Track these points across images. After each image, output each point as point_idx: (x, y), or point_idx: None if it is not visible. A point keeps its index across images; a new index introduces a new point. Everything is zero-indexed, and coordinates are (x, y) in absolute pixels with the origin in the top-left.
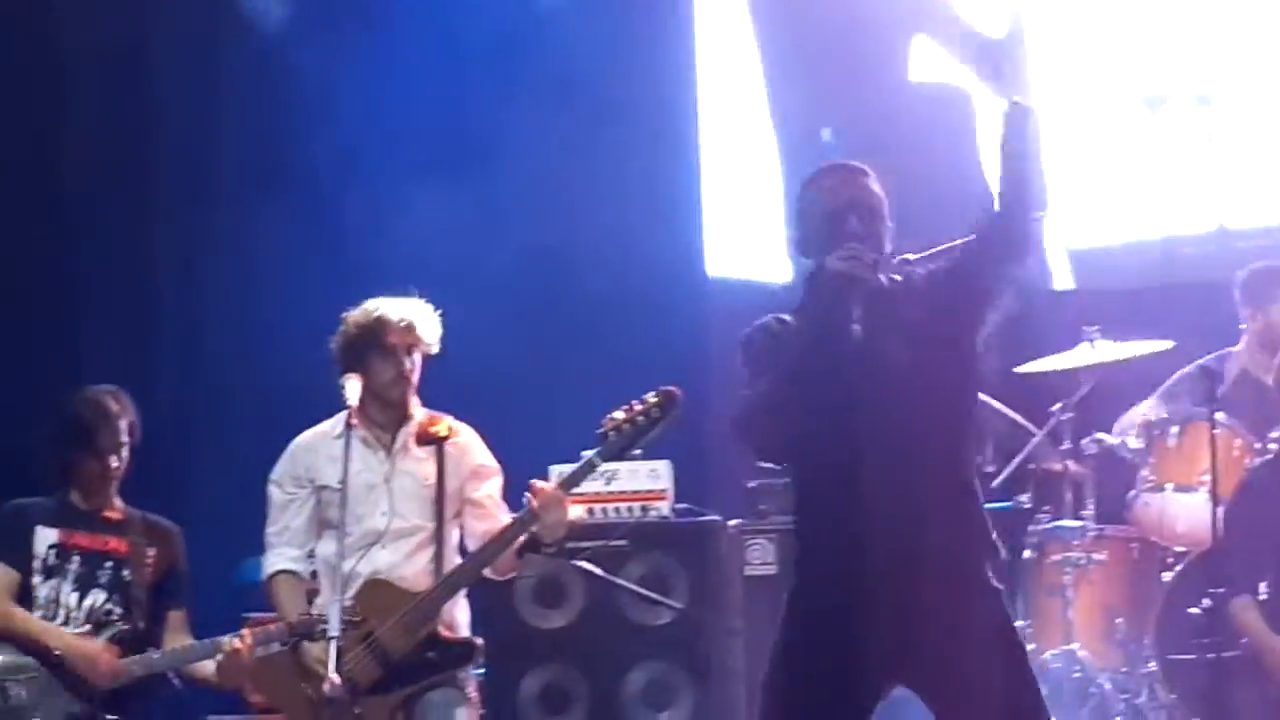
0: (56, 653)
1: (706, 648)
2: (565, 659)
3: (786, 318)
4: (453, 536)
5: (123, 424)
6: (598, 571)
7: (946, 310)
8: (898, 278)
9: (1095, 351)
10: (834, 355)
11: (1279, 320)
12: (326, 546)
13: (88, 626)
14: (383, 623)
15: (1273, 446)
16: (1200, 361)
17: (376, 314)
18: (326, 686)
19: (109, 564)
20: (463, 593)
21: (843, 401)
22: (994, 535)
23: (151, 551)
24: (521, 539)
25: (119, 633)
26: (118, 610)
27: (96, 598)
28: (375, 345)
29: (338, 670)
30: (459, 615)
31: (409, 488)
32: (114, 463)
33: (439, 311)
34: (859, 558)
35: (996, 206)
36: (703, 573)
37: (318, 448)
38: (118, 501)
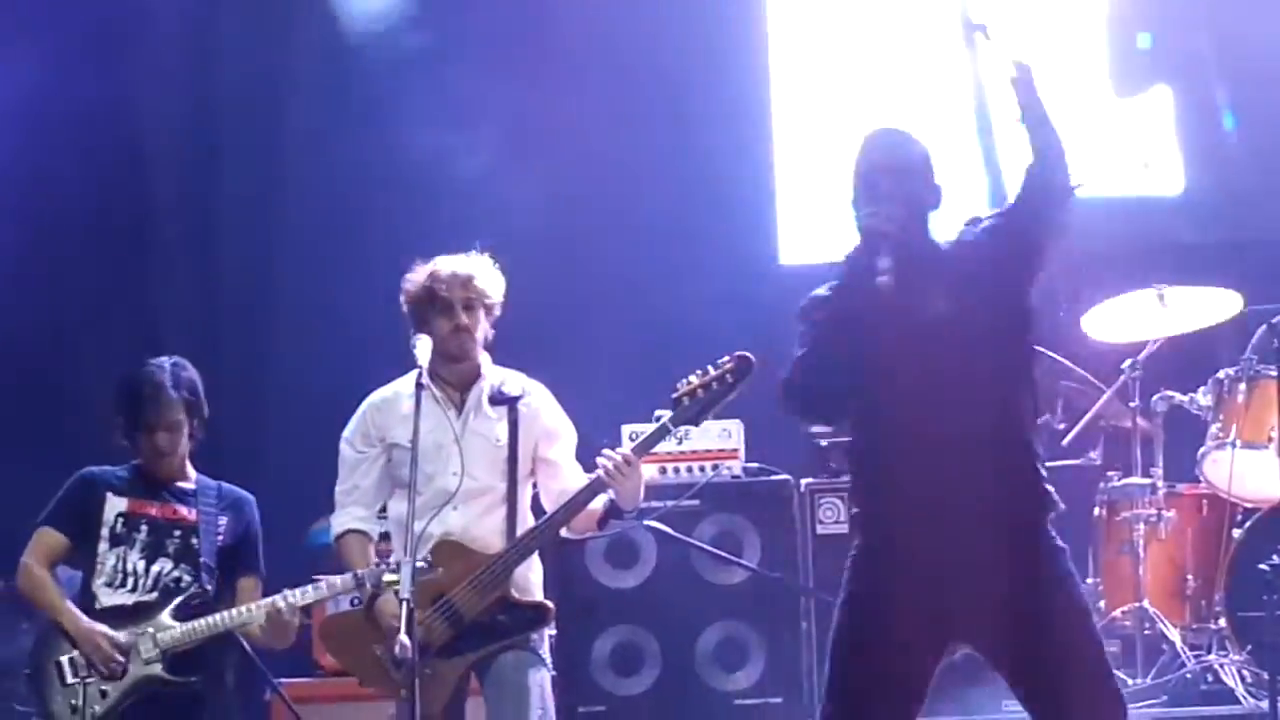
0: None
1: (779, 607)
2: (637, 619)
3: (833, 282)
4: (525, 497)
5: (177, 399)
6: (670, 531)
7: (997, 264)
8: (949, 237)
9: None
10: (866, 309)
11: None
12: (398, 506)
13: (155, 594)
14: (455, 584)
15: None
16: (1272, 320)
17: (436, 269)
18: (397, 648)
19: (177, 533)
20: (535, 555)
21: (884, 356)
22: (1051, 490)
23: (223, 520)
24: (600, 507)
25: (188, 599)
26: (186, 578)
27: (164, 565)
28: (432, 300)
29: (410, 631)
30: (531, 577)
31: (480, 447)
32: (162, 441)
33: (510, 270)
34: (913, 514)
35: (1032, 162)
36: (775, 532)
37: (389, 406)
38: (191, 471)
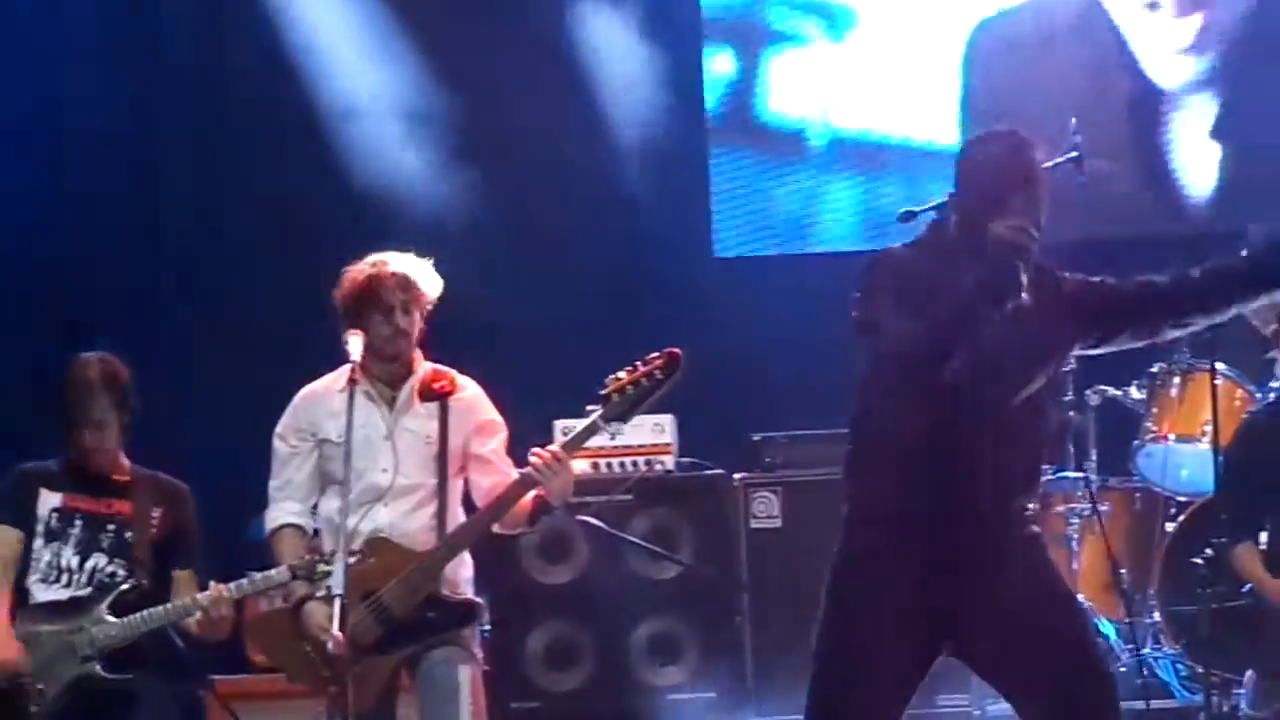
0: None
1: (712, 602)
2: (570, 614)
3: (910, 251)
4: (456, 493)
5: (104, 397)
6: (603, 526)
7: (1073, 325)
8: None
9: None
10: (980, 319)
11: None
12: (329, 503)
13: (89, 589)
14: (385, 582)
15: (1272, 394)
16: None
17: (372, 270)
18: (330, 644)
19: (111, 527)
20: (466, 551)
21: (978, 362)
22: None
23: (157, 512)
24: (529, 502)
25: (123, 594)
26: (121, 572)
27: (98, 561)
28: (372, 301)
29: (343, 628)
30: (462, 573)
31: (411, 444)
32: (89, 439)
33: (443, 266)
34: (925, 520)
35: (1192, 285)
36: (707, 527)
37: (320, 401)
38: (125, 462)
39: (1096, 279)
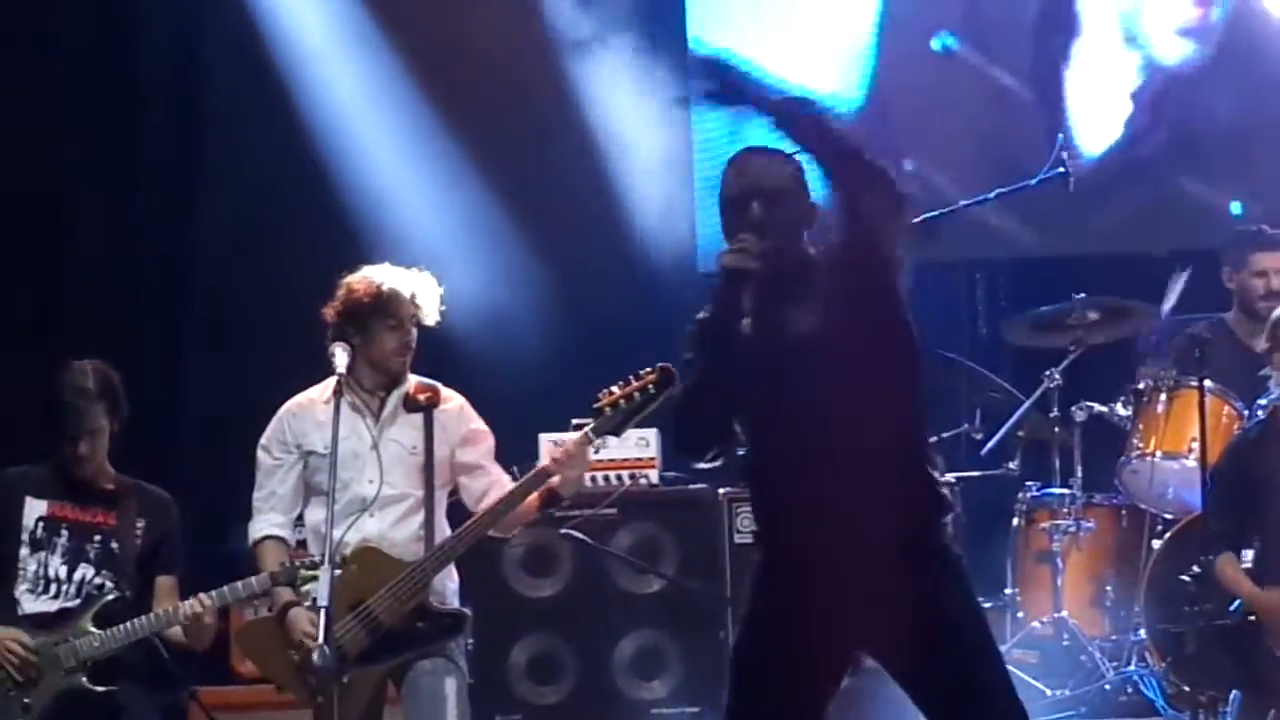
0: None
1: (696, 616)
2: (554, 628)
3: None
4: (442, 504)
5: (99, 406)
6: (587, 540)
7: (846, 274)
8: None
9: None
10: (732, 352)
11: (1249, 283)
12: (315, 514)
13: (77, 600)
14: (373, 591)
15: (1260, 412)
16: (1189, 330)
17: (387, 286)
18: (315, 655)
19: (97, 537)
20: (452, 563)
21: (759, 381)
22: (944, 493)
23: (141, 522)
24: (537, 497)
25: (108, 605)
26: (108, 583)
27: (86, 572)
28: (382, 317)
29: (326, 639)
30: (449, 584)
31: (397, 454)
32: (84, 448)
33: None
34: (805, 530)
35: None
36: (692, 541)
37: (306, 413)
38: (110, 471)
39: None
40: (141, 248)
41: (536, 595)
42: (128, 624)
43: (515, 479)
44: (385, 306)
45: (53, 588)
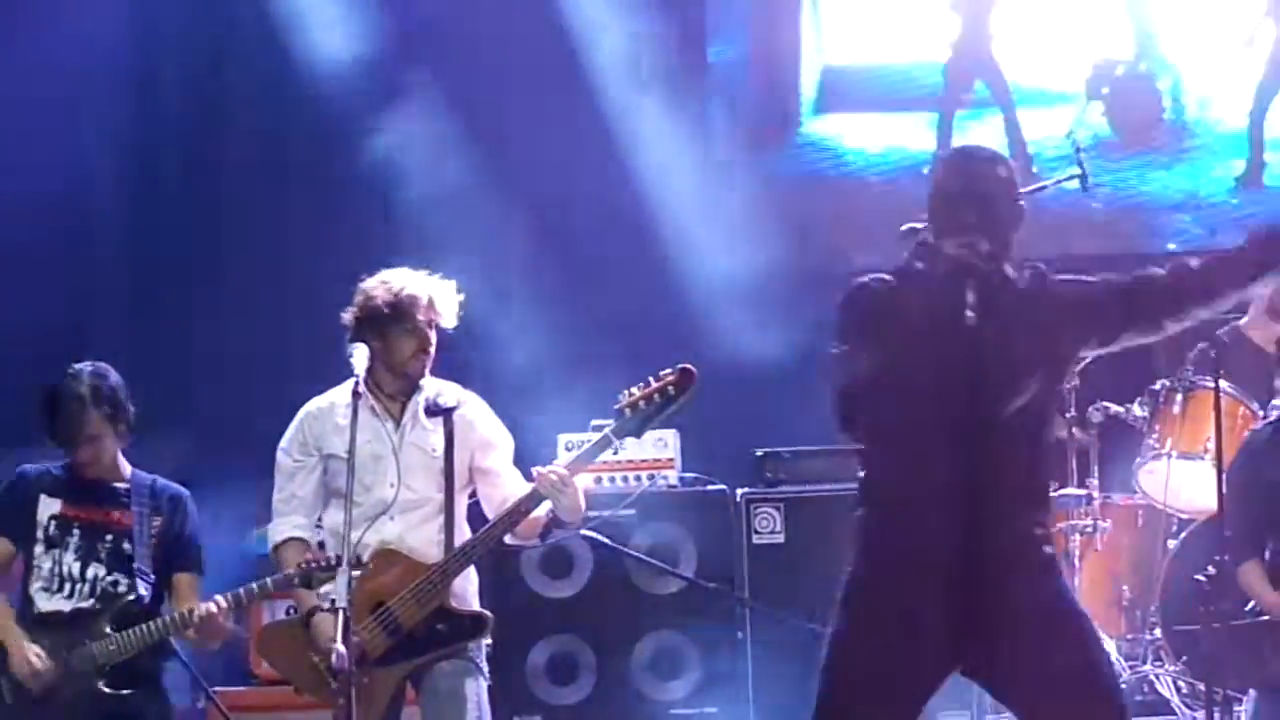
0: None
1: (714, 617)
2: (573, 629)
3: (888, 278)
4: (462, 507)
5: (96, 413)
6: (606, 541)
7: (1069, 327)
8: (1025, 273)
9: None
10: (945, 340)
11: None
12: (334, 516)
13: (93, 600)
14: (394, 593)
15: (1275, 413)
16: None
17: (407, 291)
18: (334, 657)
19: (109, 537)
20: (472, 564)
21: (947, 387)
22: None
23: (156, 521)
24: (543, 515)
25: (124, 607)
26: (123, 583)
27: (98, 570)
28: (401, 320)
29: (346, 640)
30: (467, 586)
31: (417, 459)
32: (84, 455)
33: (448, 280)
34: (930, 545)
35: (1190, 275)
36: (710, 542)
37: (325, 416)
38: (125, 469)
39: (1092, 278)
40: (162, 244)
41: (555, 596)
42: (143, 627)
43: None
44: (402, 312)
45: (67, 586)
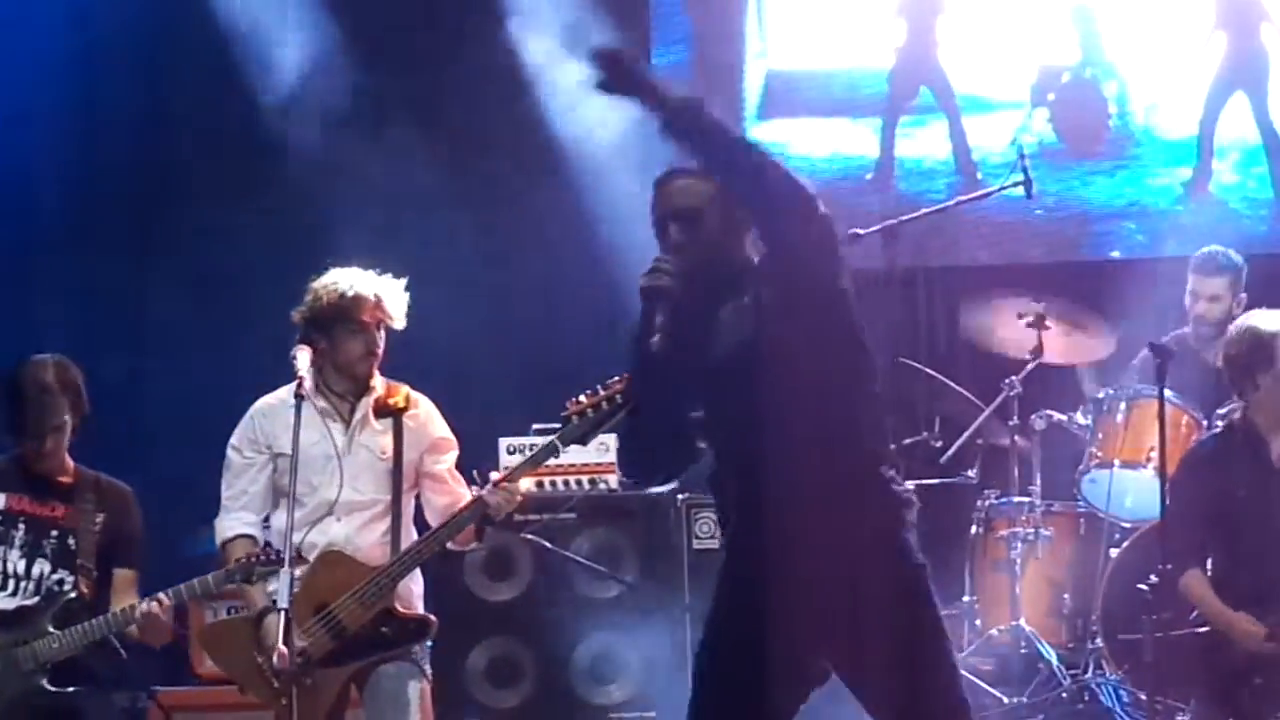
0: None
1: (654, 621)
2: (513, 631)
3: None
4: (409, 509)
5: (62, 401)
6: (547, 544)
7: (776, 287)
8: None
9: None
10: (658, 370)
11: (1190, 306)
12: (282, 517)
13: (37, 598)
14: (338, 595)
15: (1219, 424)
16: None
17: (353, 291)
18: (275, 658)
19: (54, 533)
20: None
21: (705, 397)
22: (901, 494)
23: (100, 517)
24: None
25: (66, 604)
26: (68, 580)
27: (44, 567)
28: (347, 320)
29: (288, 641)
30: (414, 589)
31: (366, 460)
32: (48, 445)
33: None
34: (767, 540)
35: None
36: (650, 546)
37: (275, 414)
38: (70, 464)
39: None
40: (106, 242)
41: (496, 599)
42: (86, 624)
43: (477, 483)
44: (349, 311)
45: (10, 584)
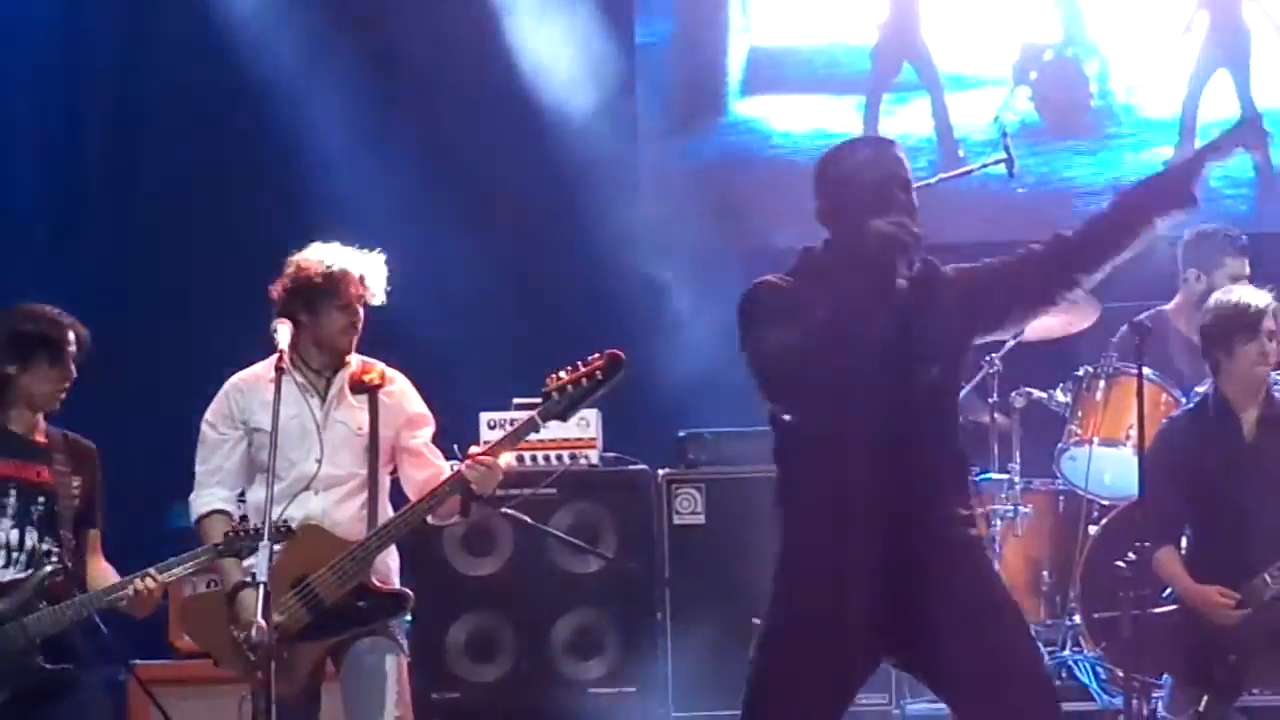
0: None
1: (634, 597)
2: (493, 607)
3: (786, 278)
4: (385, 484)
5: (72, 334)
6: (527, 520)
7: (962, 313)
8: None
9: None
10: (872, 312)
11: (1222, 285)
12: (257, 492)
13: (30, 569)
14: (315, 569)
15: (1194, 400)
16: (1134, 319)
17: (337, 267)
18: (253, 632)
19: (41, 499)
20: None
21: (872, 359)
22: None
23: (77, 481)
24: (457, 499)
25: (55, 572)
26: (55, 550)
27: (34, 537)
28: (331, 296)
29: (266, 615)
30: (390, 564)
31: (342, 435)
32: (71, 370)
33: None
34: (855, 540)
35: (1068, 240)
36: (631, 522)
37: (251, 389)
38: (42, 423)
39: (977, 263)
40: (83, 213)
41: (475, 574)
42: (77, 600)
43: (458, 458)
44: (334, 286)
45: (3, 555)
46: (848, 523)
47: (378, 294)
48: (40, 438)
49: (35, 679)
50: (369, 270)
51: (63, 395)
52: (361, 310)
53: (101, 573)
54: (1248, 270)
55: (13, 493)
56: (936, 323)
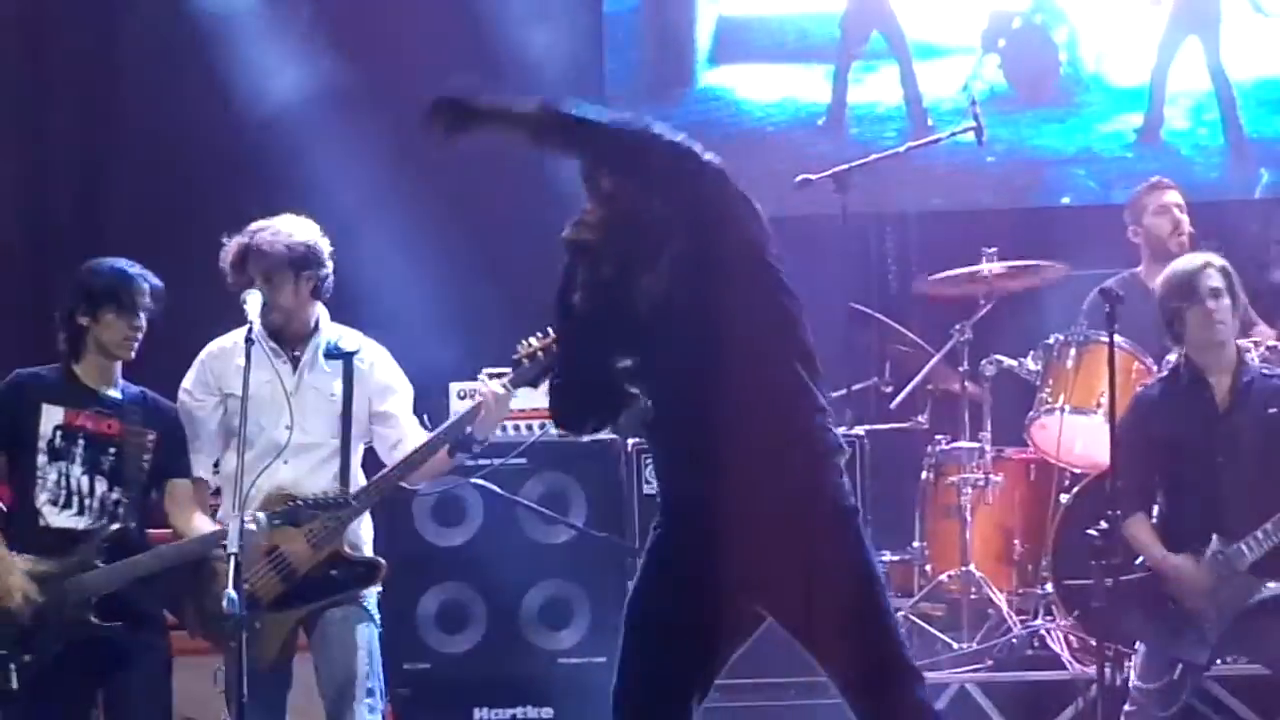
0: None
1: (604, 567)
2: (463, 577)
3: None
4: (358, 453)
5: (142, 284)
6: (497, 490)
7: (692, 248)
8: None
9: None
10: (573, 322)
11: (1153, 226)
12: (231, 460)
13: (104, 519)
14: (288, 538)
15: (1166, 369)
16: (1101, 285)
17: (310, 239)
18: (224, 601)
19: (112, 450)
20: (367, 511)
21: (640, 356)
22: (829, 437)
23: (151, 436)
24: (439, 462)
25: (118, 532)
26: (124, 503)
27: (103, 487)
28: (250, 270)
29: (238, 585)
30: (363, 533)
31: (314, 402)
32: (140, 321)
33: (339, 226)
34: (697, 490)
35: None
36: (601, 491)
37: (226, 356)
38: (119, 378)
39: None
40: (54, 190)
41: (446, 544)
42: (133, 560)
43: (427, 429)
44: (247, 261)
45: (75, 501)
46: (692, 490)
47: (323, 267)
48: (115, 392)
49: (88, 638)
50: (308, 239)
51: (134, 343)
52: (290, 287)
53: (186, 524)
54: (1176, 198)
55: (81, 441)
56: (686, 276)
